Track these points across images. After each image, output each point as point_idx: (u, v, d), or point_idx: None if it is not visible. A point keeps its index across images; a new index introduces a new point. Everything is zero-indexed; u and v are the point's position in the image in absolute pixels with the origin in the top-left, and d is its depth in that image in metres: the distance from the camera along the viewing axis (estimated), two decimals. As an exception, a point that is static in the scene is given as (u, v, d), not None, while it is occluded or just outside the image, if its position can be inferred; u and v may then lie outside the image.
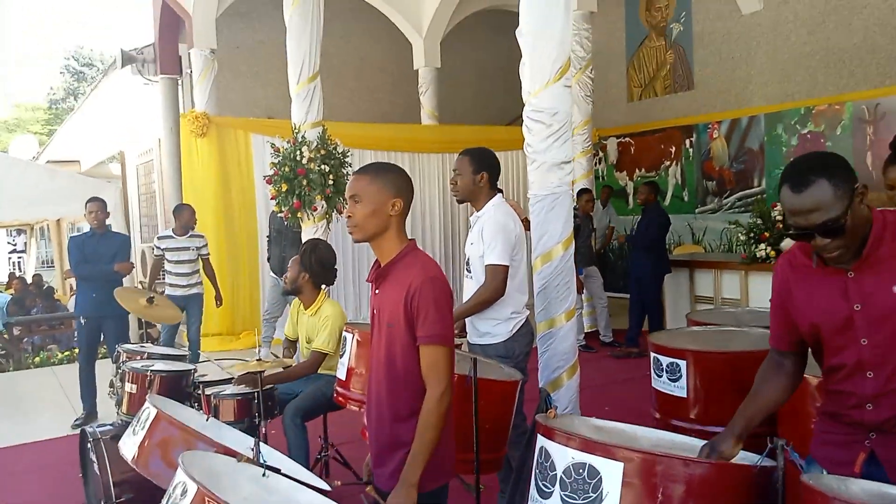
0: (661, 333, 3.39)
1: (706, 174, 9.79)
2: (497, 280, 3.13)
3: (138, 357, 3.73)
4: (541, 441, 1.91)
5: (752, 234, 6.74)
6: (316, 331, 3.94)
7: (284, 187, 6.13)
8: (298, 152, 6.10)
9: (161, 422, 2.19)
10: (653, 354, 3.14)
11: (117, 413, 3.51)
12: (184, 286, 6.81)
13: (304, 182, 6.11)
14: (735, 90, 9.33)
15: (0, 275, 18.41)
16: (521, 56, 3.69)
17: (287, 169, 6.11)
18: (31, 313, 9.78)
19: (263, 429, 3.52)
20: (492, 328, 3.26)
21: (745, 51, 9.15)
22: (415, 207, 10.01)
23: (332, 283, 4.27)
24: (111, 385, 3.81)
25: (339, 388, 3.54)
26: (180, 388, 3.52)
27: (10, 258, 21.63)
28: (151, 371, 3.41)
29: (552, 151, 3.63)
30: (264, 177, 6.41)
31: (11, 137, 29.08)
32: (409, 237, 2.16)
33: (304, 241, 7.49)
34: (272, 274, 7.61)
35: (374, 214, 2.05)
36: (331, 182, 6.24)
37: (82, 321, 5.69)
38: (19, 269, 19.91)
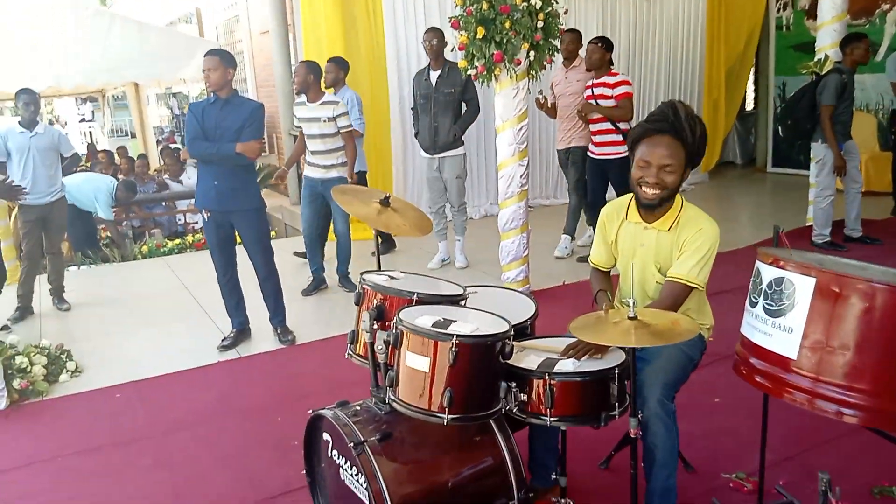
0: None
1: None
2: None
3: (405, 302, 2.25)
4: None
5: None
6: (677, 252, 2.43)
7: (480, 32, 4.44)
8: (501, -18, 4.35)
9: None
10: None
11: (387, 396, 2.11)
12: (321, 167, 5.35)
13: (508, 24, 4.40)
14: None
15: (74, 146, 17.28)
16: None
17: (485, 6, 4.39)
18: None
19: (633, 432, 2.11)
20: None
21: None
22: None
23: None
24: (352, 339, 2.38)
25: (765, 366, 2.06)
26: (491, 359, 2.08)
27: (79, 128, 20.43)
28: (458, 337, 1.97)
29: None
30: (450, 18, 4.68)
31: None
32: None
33: (468, 107, 5.83)
34: (424, 153, 6.05)
35: None
36: (539, 25, 4.51)
37: (205, 215, 4.36)
38: (91, 139, 18.72)
